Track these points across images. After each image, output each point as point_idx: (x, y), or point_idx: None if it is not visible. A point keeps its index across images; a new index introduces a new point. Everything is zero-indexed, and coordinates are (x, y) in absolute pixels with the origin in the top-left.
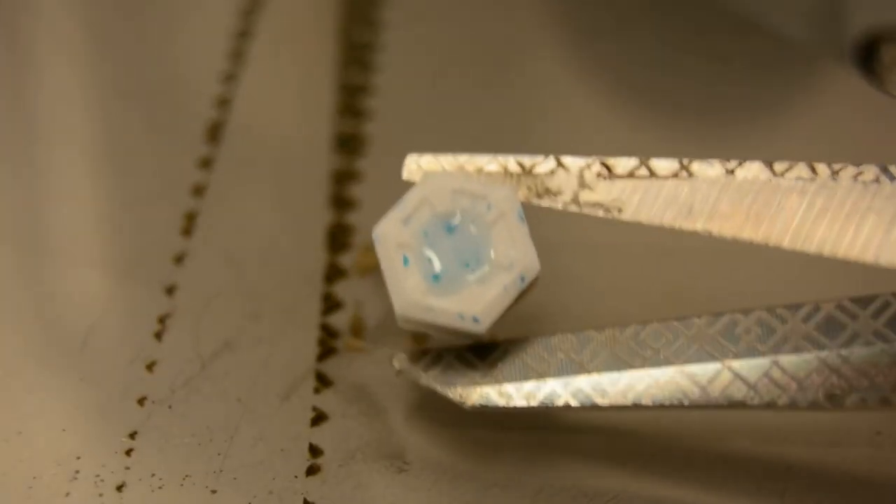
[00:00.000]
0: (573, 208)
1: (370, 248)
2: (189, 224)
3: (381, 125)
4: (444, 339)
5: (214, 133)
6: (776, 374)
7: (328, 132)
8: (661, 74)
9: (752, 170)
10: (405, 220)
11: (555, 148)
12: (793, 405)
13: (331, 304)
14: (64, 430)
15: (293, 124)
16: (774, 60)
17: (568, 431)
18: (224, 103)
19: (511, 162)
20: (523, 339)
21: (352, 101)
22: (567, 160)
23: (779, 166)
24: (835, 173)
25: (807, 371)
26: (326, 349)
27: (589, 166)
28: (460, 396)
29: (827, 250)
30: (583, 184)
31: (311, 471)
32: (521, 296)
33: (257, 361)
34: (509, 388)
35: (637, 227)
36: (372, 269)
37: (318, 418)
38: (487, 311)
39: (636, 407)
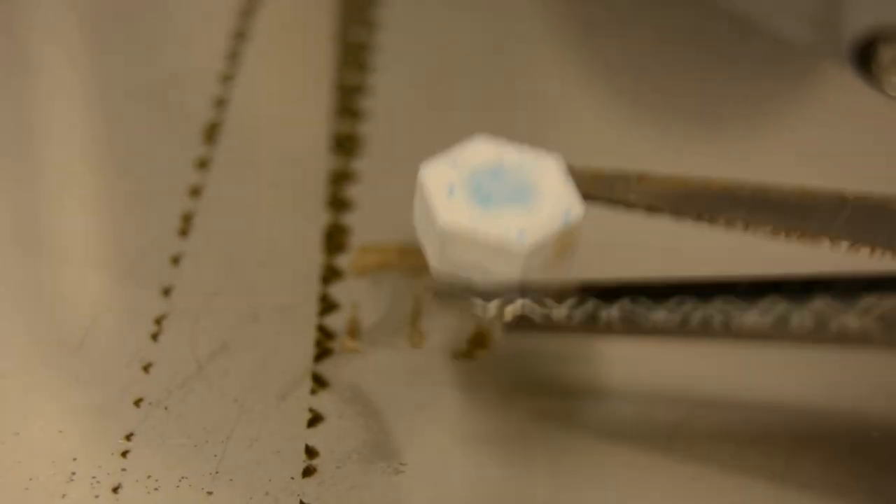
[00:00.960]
0: None
1: (367, 249)
2: (186, 225)
3: (378, 126)
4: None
5: (211, 134)
6: (824, 300)
7: (325, 133)
8: (660, 75)
9: None
10: (453, 164)
11: (552, 148)
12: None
13: (327, 305)
14: (61, 431)
15: (290, 125)
16: (773, 61)
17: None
18: (221, 104)
19: None
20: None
21: (348, 101)
22: None
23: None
24: None
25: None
26: (323, 350)
27: None
28: (500, 308)
29: None
30: None
31: (308, 472)
32: (563, 242)
33: (254, 363)
34: (550, 302)
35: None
36: (368, 270)
37: (315, 419)
38: (531, 230)
39: (682, 329)
